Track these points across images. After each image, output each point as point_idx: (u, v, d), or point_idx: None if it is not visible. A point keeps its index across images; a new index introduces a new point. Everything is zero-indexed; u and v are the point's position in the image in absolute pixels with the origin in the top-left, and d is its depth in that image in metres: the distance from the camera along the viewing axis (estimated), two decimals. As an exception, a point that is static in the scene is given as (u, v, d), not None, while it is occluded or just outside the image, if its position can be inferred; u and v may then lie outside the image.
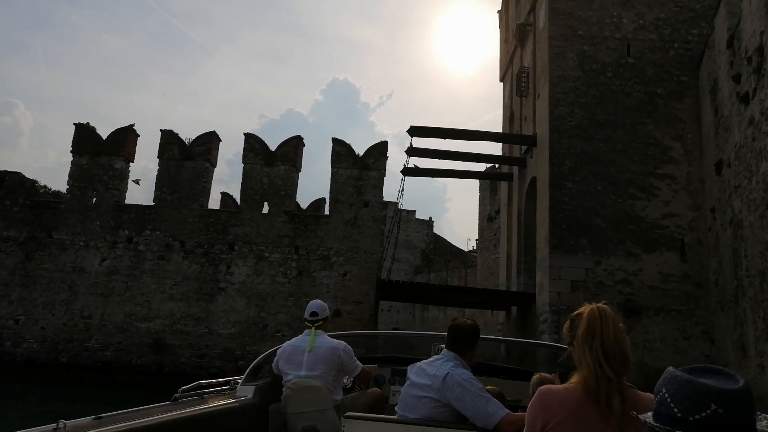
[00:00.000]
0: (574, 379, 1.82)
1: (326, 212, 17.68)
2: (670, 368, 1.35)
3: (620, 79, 17.72)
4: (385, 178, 17.91)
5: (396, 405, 2.98)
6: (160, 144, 17.67)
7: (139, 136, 18.35)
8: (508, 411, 2.64)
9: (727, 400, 1.17)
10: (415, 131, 19.67)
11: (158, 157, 17.58)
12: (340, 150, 17.50)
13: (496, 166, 25.15)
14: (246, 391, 3.74)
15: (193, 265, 16.74)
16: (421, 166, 22.92)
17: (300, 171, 18.16)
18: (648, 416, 1.33)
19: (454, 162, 21.72)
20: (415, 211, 50.50)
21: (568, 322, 2.07)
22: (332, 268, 16.66)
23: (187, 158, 17.50)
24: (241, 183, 17.45)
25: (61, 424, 2.37)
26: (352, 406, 3.66)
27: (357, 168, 17.34)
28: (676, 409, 1.21)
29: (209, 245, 16.93)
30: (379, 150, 17.42)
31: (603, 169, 17.10)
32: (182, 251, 16.80)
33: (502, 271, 24.02)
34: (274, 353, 4.09)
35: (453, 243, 48.73)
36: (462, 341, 2.93)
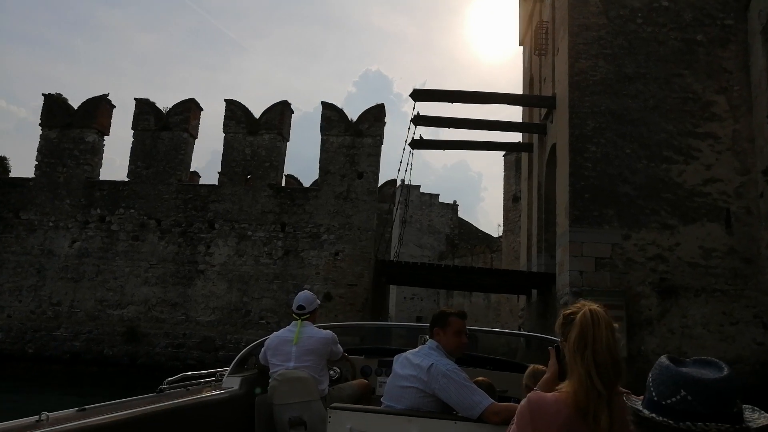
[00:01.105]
0: (566, 386, 1.75)
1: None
2: (663, 357, 1.32)
3: (652, 26, 15.24)
4: (383, 147, 15.93)
5: (382, 396, 3.01)
6: (134, 114, 16.09)
7: (114, 107, 16.82)
8: (493, 401, 2.60)
9: (697, 388, 1.18)
10: (418, 95, 17.60)
11: (132, 129, 16.00)
12: (331, 115, 15.60)
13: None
14: (232, 383, 3.67)
15: (170, 245, 15.15)
16: (438, 139, 20.88)
17: (288, 140, 16.35)
18: (639, 400, 1.33)
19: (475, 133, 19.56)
20: (438, 195, 48.38)
21: (561, 318, 1.93)
22: (322, 247, 14.84)
23: (164, 129, 15.87)
24: (222, 154, 15.73)
25: (44, 416, 2.33)
26: (338, 397, 3.69)
27: (350, 135, 15.42)
28: (654, 393, 1.24)
29: (187, 224, 15.30)
30: (375, 114, 15.46)
31: (632, 130, 14.75)
32: (158, 231, 15.22)
33: (523, 251, 21.85)
34: (261, 344, 4.03)
35: (487, 231, 46.25)
36: (430, 326, 2.99)
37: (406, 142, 18.68)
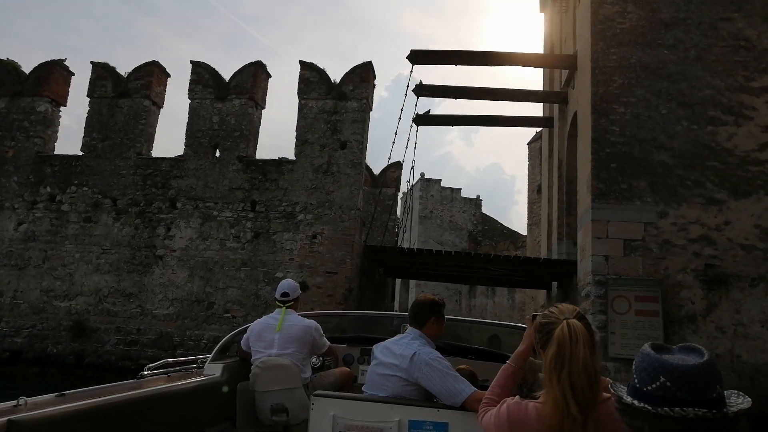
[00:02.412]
0: (543, 398, 1.72)
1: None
2: (647, 344, 1.35)
3: (693, -38, 12.60)
4: (372, 113, 13.66)
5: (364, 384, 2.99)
6: (90, 79, 14.18)
7: (73, 74, 14.96)
8: (476, 389, 2.58)
9: (676, 375, 1.20)
10: (417, 57, 15.30)
11: (88, 96, 14.09)
12: (310, 75, 13.40)
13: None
14: (214, 370, 3.67)
15: (126, 227, 13.17)
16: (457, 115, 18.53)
17: (263, 108, 14.20)
18: (625, 384, 1.35)
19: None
20: (460, 189, 45.78)
21: (536, 325, 1.88)
22: (298, 228, 12.66)
23: (123, 96, 13.92)
24: (187, 123, 13.69)
25: (21, 401, 2.31)
26: (320, 385, 3.63)
27: (331, 98, 13.19)
28: (636, 380, 1.27)
29: (146, 203, 13.30)
30: (361, 74, 13.21)
31: (669, 86, 12.14)
32: (113, 211, 13.26)
33: (543, 240, 19.32)
34: (243, 331, 4.02)
35: (515, 229, 43.48)
36: (417, 316, 2.92)
37: (398, 120, 16.44)
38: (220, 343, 4.02)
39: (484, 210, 44.46)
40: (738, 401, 1.23)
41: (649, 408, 1.20)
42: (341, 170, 12.79)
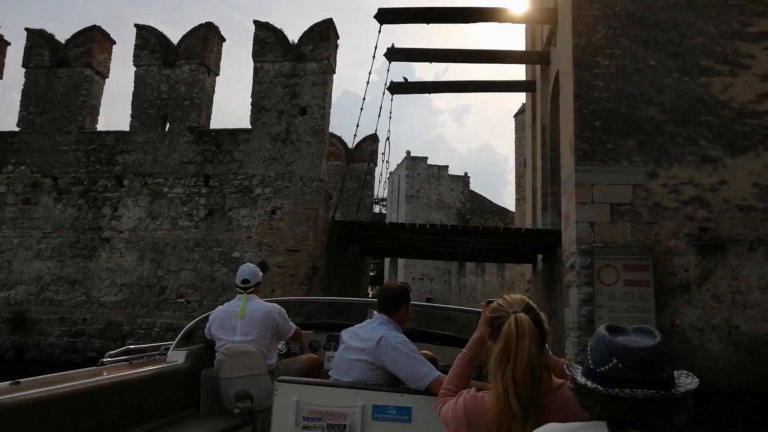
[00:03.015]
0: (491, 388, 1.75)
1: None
2: (602, 326, 1.36)
3: None
4: (335, 76, 12.49)
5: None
6: (25, 48, 12.90)
7: (9, 44, 13.67)
8: (440, 373, 2.56)
9: (627, 357, 1.22)
10: (385, 15, 14.08)
11: (24, 66, 12.82)
12: (265, 36, 12.18)
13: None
14: (177, 356, 3.60)
15: (69, 208, 12.02)
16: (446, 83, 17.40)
17: (217, 74, 13.00)
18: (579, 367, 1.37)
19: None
20: (447, 167, 44.72)
21: (487, 318, 1.88)
22: (255, 203, 11.56)
23: (61, 65, 12.66)
24: (132, 93, 12.47)
25: None
26: (286, 371, 3.60)
27: (289, 60, 12.00)
28: (590, 361, 1.29)
29: (90, 181, 12.14)
30: (320, 33, 12.00)
31: (658, 35, 11.05)
32: (54, 191, 12.10)
33: (528, 212, 18.32)
34: (206, 318, 3.90)
35: (504, 206, 42.51)
36: (389, 303, 2.91)
37: (366, 84, 15.27)
38: (184, 329, 3.95)
39: (478, 190, 43.37)
40: (686, 381, 1.27)
41: (601, 389, 1.23)
42: (301, 138, 11.66)
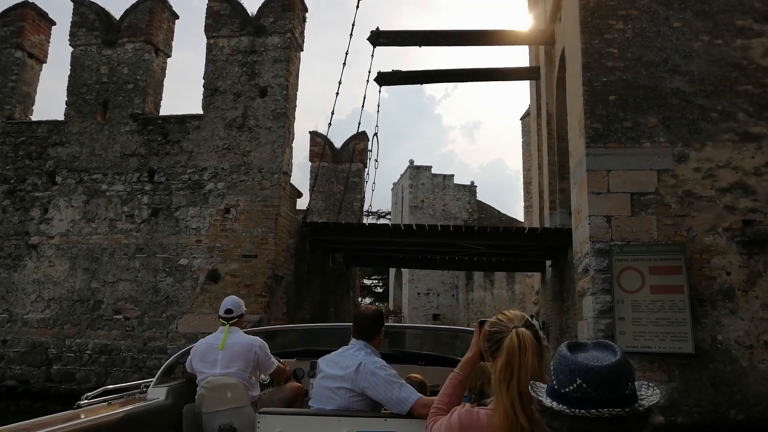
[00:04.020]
0: (493, 405, 1.73)
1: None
2: (563, 344, 1.35)
3: None
4: (302, 54, 10.73)
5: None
6: (-50, 29, 11.28)
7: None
8: (421, 395, 2.59)
9: (591, 377, 1.22)
10: (377, 38, 12.42)
11: (-53, 49, 11.19)
12: (220, 8, 10.46)
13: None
14: (158, 393, 3.48)
15: (-8, 211, 10.28)
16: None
17: (168, 55, 11.29)
18: (544, 385, 1.36)
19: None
20: (453, 176, 42.86)
21: (485, 333, 1.86)
22: (206, 201, 9.78)
23: (-12, 46, 11.02)
24: (68, 77, 10.77)
25: None
26: (270, 402, 3.62)
27: (247, 35, 10.26)
28: (554, 382, 1.29)
29: (18, 179, 10.42)
30: (283, 2, 10.25)
31: (681, -7, 9.20)
32: (-24, 191, 10.37)
33: (535, 213, 16.42)
34: (187, 352, 3.88)
35: (519, 219, 40.66)
36: (366, 328, 2.89)
37: (342, 65, 13.49)
38: (164, 365, 3.81)
39: (490, 204, 41.45)
40: (648, 394, 1.28)
41: (567, 411, 1.23)
42: (260, 124, 9.88)
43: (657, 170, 8.58)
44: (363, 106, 14.43)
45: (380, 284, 48.67)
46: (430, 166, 43.60)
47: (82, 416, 2.80)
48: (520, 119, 28.48)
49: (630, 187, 8.56)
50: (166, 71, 11.20)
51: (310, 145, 17.93)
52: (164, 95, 11.01)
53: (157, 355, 9.08)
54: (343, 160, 17.75)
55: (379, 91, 15.69)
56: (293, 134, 10.28)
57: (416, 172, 43.12)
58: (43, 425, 2.50)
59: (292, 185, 10.55)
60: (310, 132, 17.91)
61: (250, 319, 9.03)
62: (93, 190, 10.08)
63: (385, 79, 15.97)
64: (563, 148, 13.15)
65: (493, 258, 15.40)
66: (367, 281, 47.38)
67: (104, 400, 3.19)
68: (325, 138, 18.07)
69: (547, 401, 1.27)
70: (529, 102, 20.34)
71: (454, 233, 11.05)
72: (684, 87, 8.82)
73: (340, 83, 14.12)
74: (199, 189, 9.82)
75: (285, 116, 9.89)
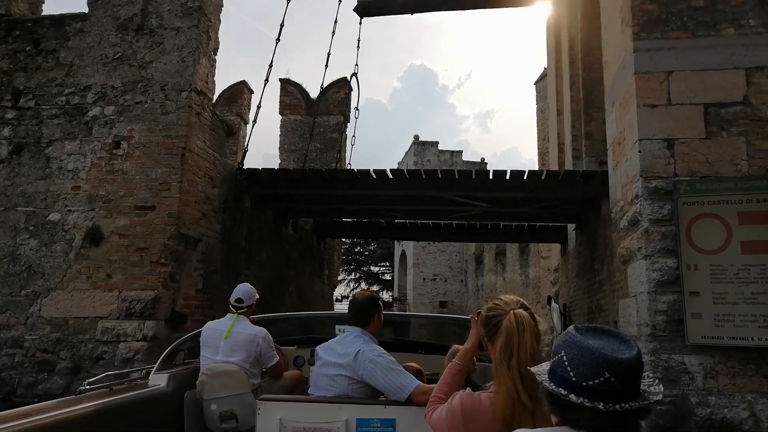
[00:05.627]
0: (494, 387, 1.78)
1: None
2: (571, 328, 1.26)
3: None
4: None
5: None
6: None
7: None
8: (420, 382, 2.61)
9: (620, 369, 1.16)
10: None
11: None
12: None
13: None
14: (159, 380, 3.50)
15: None
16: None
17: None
18: (544, 371, 1.27)
19: None
20: (461, 152, 39.83)
21: (483, 318, 1.92)
22: (89, 132, 6.93)
23: None
24: None
25: None
26: (270, 389, 3.63)
27: None
28: (572, 374, 1.19)
29: None
30: None
31: None
32: None
33: (553, 164, 13.33)
34: (190, 338, 3.95)
35: None
36: (359, 313, 2.89)
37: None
38: (166, 351, 3.78)
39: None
40: (653, 386, 1.24)
41: (588, 404, 1.15)
42: (165, 23, 6.97)
43: (745, 69, 5.54)
44: (334, 32, 11.41)
45: (389, 270, 45.84)
46: (437, 142, 40.11)
47: (85, 402, 2.81)
48: (534, 84, 25.58)
49: (703, 96, 5.54)
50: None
51: (281, 95, 15.00)
52: None
53: (9, 350, 6.29)
54: (321, 113, 14.81)
55: (360, 23, 12.74)
56: (216, 41, 7.36)
57: (421, 149, 39.78)
58: (45, 410, 2.51)
59: (217, 115, 7.63)
60: (280, 80, 14.95)
61: (140, 297, 6.20)
62: (-62, 121, 7.25)
63: (367, 8, 12.98)
64: (591, 78, 10.11)
65: (500, 224, 12.43)
66: (374, 268, 44.54)
67: (106, 386, 3.17)
68: (297, 86, 15.13)
69: (561, 391, 1.18)
70: (545, 66, 17.22)
71: (443, 181, 8.06)
72: (785, -56, 5.78)
73: (329, 55, 11.20)
74: (79, 116, 6.95)
75: (200, 11, 6.96)
